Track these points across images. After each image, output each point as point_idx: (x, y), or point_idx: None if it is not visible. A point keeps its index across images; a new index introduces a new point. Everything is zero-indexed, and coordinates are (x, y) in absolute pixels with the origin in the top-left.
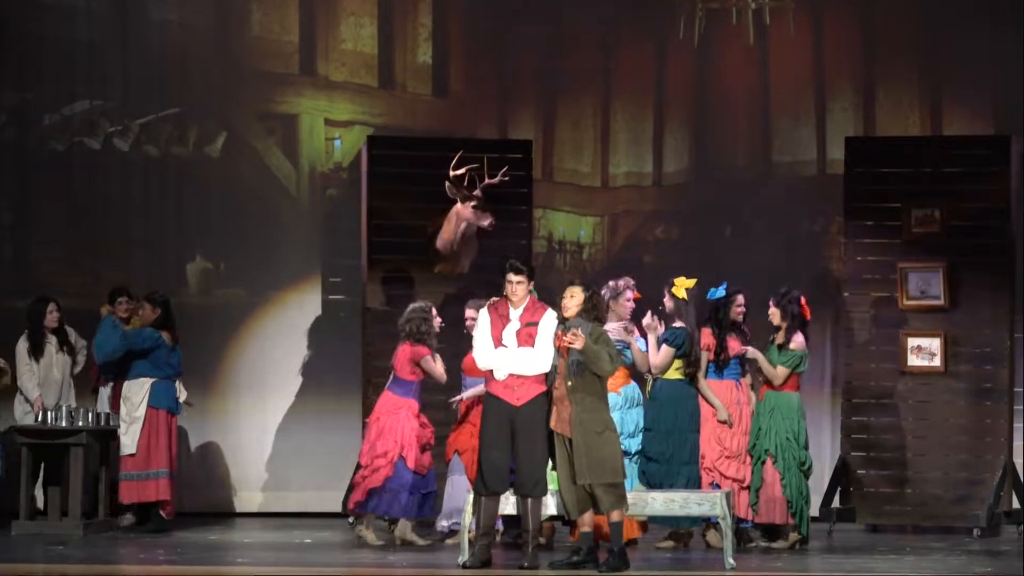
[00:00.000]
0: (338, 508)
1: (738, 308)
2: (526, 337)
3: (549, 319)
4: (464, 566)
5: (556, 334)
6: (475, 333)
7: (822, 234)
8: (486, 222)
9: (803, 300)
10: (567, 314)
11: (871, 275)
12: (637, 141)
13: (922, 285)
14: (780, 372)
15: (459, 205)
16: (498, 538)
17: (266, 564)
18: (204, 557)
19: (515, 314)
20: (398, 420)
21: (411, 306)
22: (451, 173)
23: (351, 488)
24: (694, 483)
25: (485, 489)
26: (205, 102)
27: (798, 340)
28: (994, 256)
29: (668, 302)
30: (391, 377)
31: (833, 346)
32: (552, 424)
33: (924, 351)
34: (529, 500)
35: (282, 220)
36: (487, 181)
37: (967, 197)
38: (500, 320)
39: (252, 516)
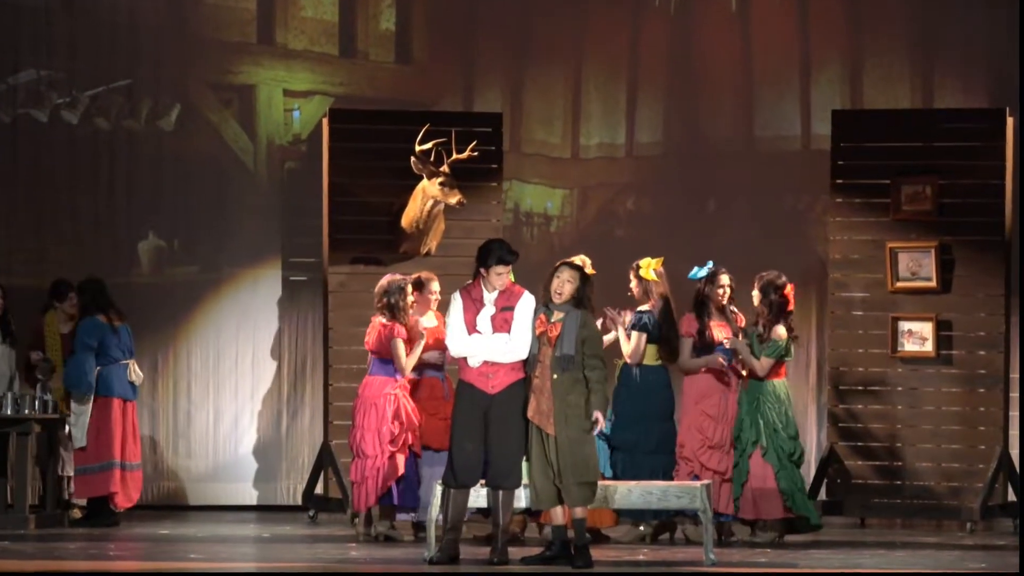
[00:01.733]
0: (298, 501)
1: (721, 289)
2: (501, 323)
3: (526, 303)
4: (430, 562)
5: (539, 319)
6: (448, 319)
7: (807, 212)
8: (454, 200)
9: (788, 289)
10: (557, 300)
11: (859, 255)
12: (609, 111)
13: (913, 266)
14: (764, 364)
15: (425, 182)
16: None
17: (221, 560)
18: (156, 552)
19: (489, 298)
20: (396, 400)
21: (387, 279)
22: (417, 148)
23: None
24: (666, 474)
25: (455, 482)
26: (158, 73)
27: (779, 331)
28: (988, 235)
29: (635, 286)
30: (371, 361)
31: (819, 330)
32: (530, 414)
33: (915, 335)
34: (501, 492)
35: (239, 196)
36: (455, 157)
37: (960, 173)
38: (473, 304)
39: (205, 509)
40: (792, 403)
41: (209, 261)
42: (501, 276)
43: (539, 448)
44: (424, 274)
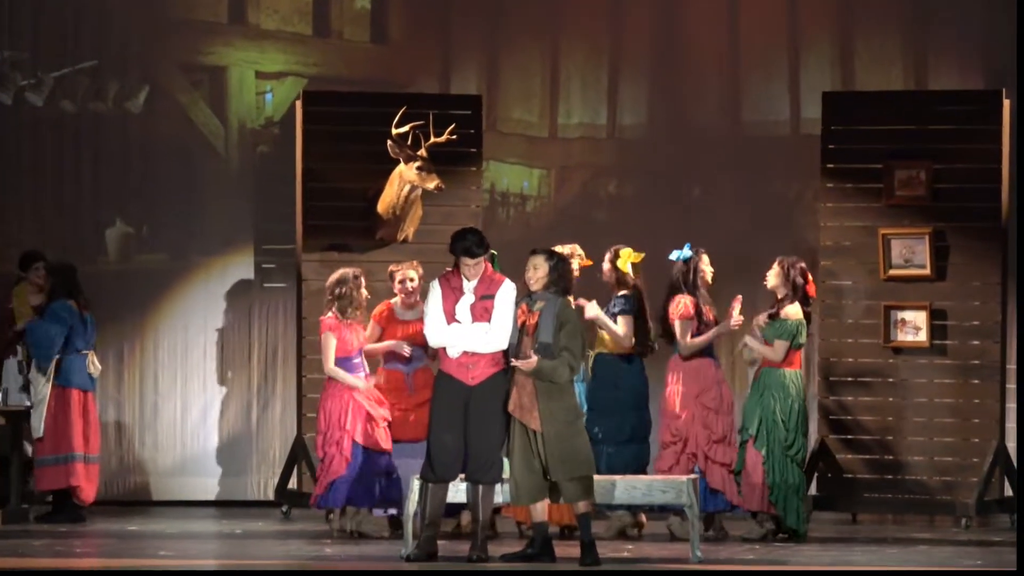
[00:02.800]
0: (269, 495)
1: (708, 268)
2: (481, 311)
3: (506, 291)
4: (407, 559)
5: (521, 309)
6: (426, 307)
7: (796, 198)
8: (432, 185)
9: (809, 276)
10: (532, 288)
11: (850, 242)
12: (590, 91)
13: (906, 253)
14: (778, 346)
15: (402, 166)
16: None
17: (192, 556)
18: (124, 549)
19: (469, 286)
20: (341, 399)
21: (340, 272)
22: (394, 131)
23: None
24: (640, 465)
25: (434, 476)
26: (126, 53)
27: (789, 311)
28: (984, 221)
29: (608, 272)
30: None
31: (808, 320)
32: (511, 408)
33: (908, 325)
34: (481, 487)
35: (209, 181)
36: (433, 140)
37: (955, 157)
38: (453, 293)
39: (175, 504)
40: (802, 396)
41: (178, 248)
42: (470, 267)
43: (522, 443)
44: (393, 267)
